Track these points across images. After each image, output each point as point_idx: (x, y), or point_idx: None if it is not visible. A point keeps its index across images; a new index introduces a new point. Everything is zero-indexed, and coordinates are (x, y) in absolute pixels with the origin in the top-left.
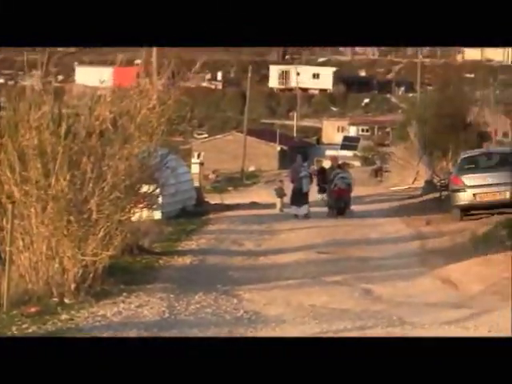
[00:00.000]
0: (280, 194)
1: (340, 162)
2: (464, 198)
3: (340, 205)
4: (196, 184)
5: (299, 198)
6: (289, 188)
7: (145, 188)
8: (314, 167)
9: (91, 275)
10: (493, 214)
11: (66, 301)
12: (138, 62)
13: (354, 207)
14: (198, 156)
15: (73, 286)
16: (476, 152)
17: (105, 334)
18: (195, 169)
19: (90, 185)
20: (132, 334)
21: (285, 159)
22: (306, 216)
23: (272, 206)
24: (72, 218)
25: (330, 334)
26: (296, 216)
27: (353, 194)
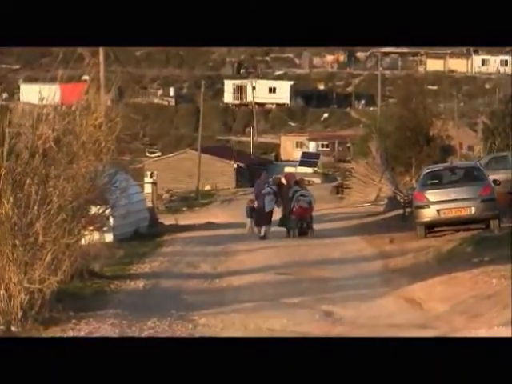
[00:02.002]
0: (250, 213)
1: (297, 178)
2: (428, 214)
3: (302, 225)
4: (149, 204)
5: (260, 217)
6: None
7: (94, 209)
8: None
9: (39, 302)
10: (458, 231)
11: (13, 329)
12: (85, 77)
13: (314, 225)
14: (151, 175)
15: (19, 313)
16: (439, 166)
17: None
18: (148, 188)
19: (35, 207)
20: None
21: (242, 177)
22: (263, 238)
23: (229, 226)
24: (17, 242)
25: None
26: (263, 237)
27: (314, 213)
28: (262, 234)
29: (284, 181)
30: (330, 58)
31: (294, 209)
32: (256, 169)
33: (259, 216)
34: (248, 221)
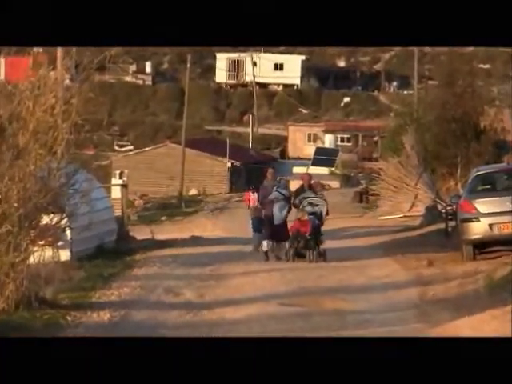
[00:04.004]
0: (257, 226)
1: (313, 182)
2: (477, 229)
3: (298, 244)
4: (117, 213)
5: (269, 230)
6: None
7: (46, 219)
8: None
9: None
10: None
11: None
12: (37, 49)
13: (330, 243)
14: (120, 175)
15: None
16: (493, 168)
17: None
18: (116, 193)
19: None
20: None
21: (238, 179)
22: (279, 259)
23: (220, 241)
24: None
25: None
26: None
27: (330, 226)
28: (266, 247)
29: (297, 183)
30: None
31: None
32: (256, 168)
33: (267, 228)
34: (254, 236)
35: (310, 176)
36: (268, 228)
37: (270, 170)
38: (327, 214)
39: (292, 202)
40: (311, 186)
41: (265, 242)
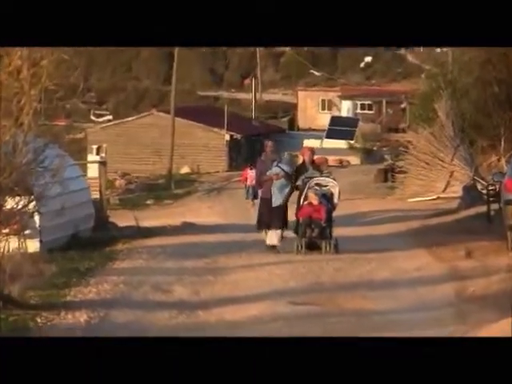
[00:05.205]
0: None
1: (315, 158)
2: None
3: (310, 232)
4: (95, 195)
5: (267, 214)
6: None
7: (11, 202)
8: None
9: None
10: None
11: None
12: None
13: (349, 230)
14: (98, 151)
15: None
16: None
17: None
18: (94, 171)
19: None
20: None
21: (238, 154)
22: (274, 248)
23: (218, 229)
24: None
25: None
26: (272, 247)
27: (349, 210)
28: (271, 241)
29: (302, 158)
30: None
31: (302, 205)
32: (259, 142)
33: (265, 212)
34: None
35: (312, 151)
36: (266, 212)
37: (269, 143)
38: (339, 197)
39: (293, 183)
40: (315, 163)
41: (273, 234)
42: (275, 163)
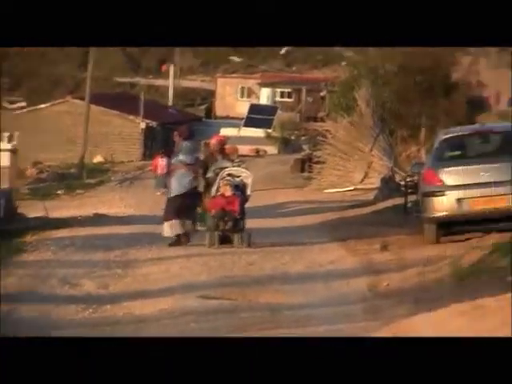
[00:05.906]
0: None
1: (226, 147)
2: (443, 205)
3: (223, 225)
4: (4, 185)
5: (168, 206)
6: None
7: None
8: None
9: None
10: (488, 233)
11: None
12: None
13: (263, 222)
14: (10, 139)
15: None
16: (464, 130)
17: None
18: (4, 160)
19: None
20: None
21: (154, 143)
22: (172, 244)
23: (130, 220)
24: None
25: None
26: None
27: (264, 201)
28: (167, 233)
29: (211, 148)
30: None
31: (214, 197)
32: (176, 130)
33: (167, 205)
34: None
35: (222, 139)
36: (170, 202)
37: (176, 132)
38: (252, 187)
39: (202, 175)
40: (224, 153)
41: (166, 225)
42: (181, 153)
